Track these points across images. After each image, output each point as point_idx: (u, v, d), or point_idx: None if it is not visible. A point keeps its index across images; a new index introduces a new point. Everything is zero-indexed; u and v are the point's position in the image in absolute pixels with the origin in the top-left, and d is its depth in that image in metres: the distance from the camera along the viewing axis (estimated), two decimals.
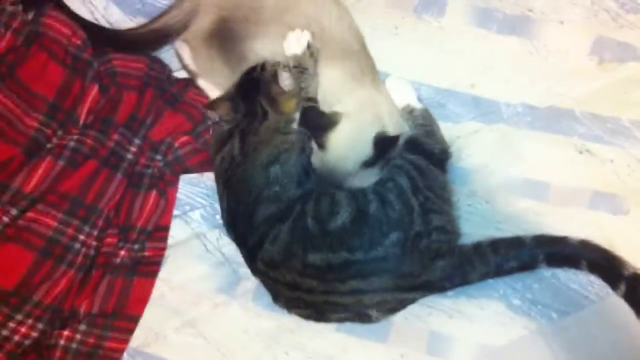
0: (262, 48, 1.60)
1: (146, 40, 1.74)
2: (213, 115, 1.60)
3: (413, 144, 1.55)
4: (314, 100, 1.54)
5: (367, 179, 1.48)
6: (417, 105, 1.63)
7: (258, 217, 1.45)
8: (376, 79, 1.64)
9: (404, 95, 1.65)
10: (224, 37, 1.64)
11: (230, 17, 1.63)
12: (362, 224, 1.40)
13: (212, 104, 1.57)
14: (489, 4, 1.75)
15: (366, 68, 1.61)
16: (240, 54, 1.61)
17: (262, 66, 1.55)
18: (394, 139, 1.47)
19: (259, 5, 1.62)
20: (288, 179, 1.47)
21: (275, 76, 1.53)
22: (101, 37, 1.75)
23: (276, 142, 1.51)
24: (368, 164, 1.47)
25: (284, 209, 1.45)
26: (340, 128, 1.48)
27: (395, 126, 1.53)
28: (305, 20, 1.59)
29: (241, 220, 1.49)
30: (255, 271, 1.50)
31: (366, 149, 1.47)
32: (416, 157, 1.51)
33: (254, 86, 1.53)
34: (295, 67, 1.54)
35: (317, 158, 1.49)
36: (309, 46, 1.55)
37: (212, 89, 1.70)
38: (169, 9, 1.72)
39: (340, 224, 1.40)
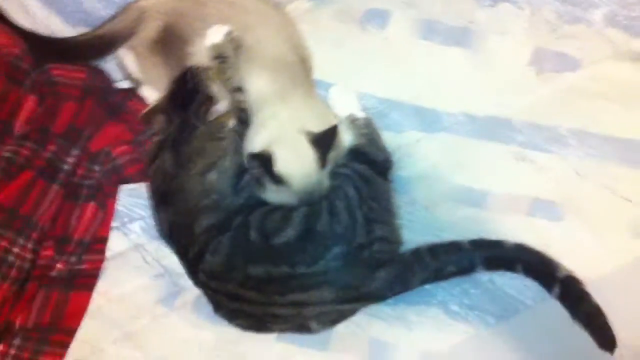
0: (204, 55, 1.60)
1: (90, 48, 1.72)
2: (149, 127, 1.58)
3: (357, 153, 1.55)
4: (240, 89, 1.54)
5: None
6: (360, 115, 1.64)
7: (198, 228, 1.44)
8: (309, 92, 1.64)
9: (347, 105, 1.66)
10: (169, 44, 1.63)
11: (175, 24, 1.63)
12: (306, 241, 1.39)
13: (148, 117, 1.55)
14: (431, 16, 1.79)
15: (299, 80, 1.61)
16: (182, 60, 1.61)
17: (193, 76, 1.53)
18: (332, 130, 1.47)
19: (203, 14, 1.62)
20: (225, 184, 1.46)
21: (209, 100, 1.52)
22: (44, 46, 1.73)
23: (210, 150, 1.49)
24: (322, 163, 1.46)
25: (224, 219, 1.44)
26: (279, 155, 1.45)
27: None
28: (244, 29, 1.59)
29: (182, 232, 1.47)
30: (196, 282, 1.48)
31: (309, 155, 1.46)
32: (361, 166, 1.51)
33: (188, 97, 1.52)
34: (216, 57, 1.54)
35: (286, 195, 1.47)
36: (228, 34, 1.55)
37: (156, 97, 1.69)
38: (114, 16, 1.72)
39: (284, 241, 1.39)
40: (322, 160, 1.46)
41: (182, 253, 1.49)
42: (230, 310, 1.45)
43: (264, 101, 1.55)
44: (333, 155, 1.51)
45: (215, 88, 1.53)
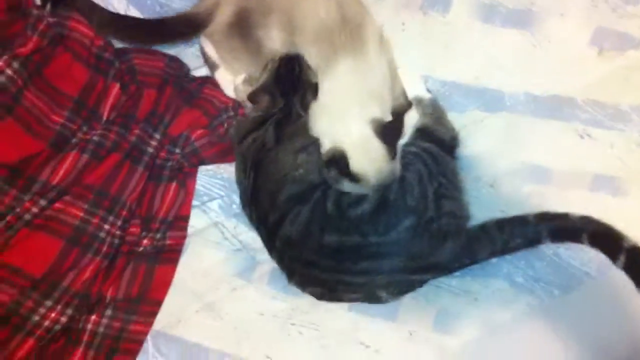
0: (273, 37, 1.66)
1: (174, 29, 1.78)
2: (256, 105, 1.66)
3: (424, 132, 1.61)
4: None
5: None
6: (426, 95, 1.70)
7: (282, 196, 1.52)
8: (357, 53, 1.60)
9: (413, 86, 1.72)
10: (244, 27, 1.69)
11: (245, 8, 1.69)
12: (379, 213, 1.46)
13: (255, 98, 1.63)
14: None
15: (341, 45, 1.59)
16: (258, 42, 1.68)
17: (300, 65, 1.61)
18: (398, 120, 1.53)
19: None
20: (312, 165, 1.54)
21: (313, 89, 1.60)
22: (133, 28, 1.81)
23: (309, 136, 1.59)
24: (392, 155, 1.51)
25: (306, 190, 1.52)
26: (352, 156, 1.51)
27: (394, 94, 1.63)
28: (293, 6, 1.63)
29: (265, 198, 1.56)
30: (272, 249, 1.57)
31: (380, 151, 1.51)
32: (429, 145, 1.58)
33: (291, 82, 1.60)
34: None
35: (361, 188, 1.52)
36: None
37: (230, 82, 1.78)
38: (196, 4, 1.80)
39: (359, 213, 1.47)
40: (392, 152, 1.51)
41: (262, 219, 1.57)
42: (304, 277, 1.53)
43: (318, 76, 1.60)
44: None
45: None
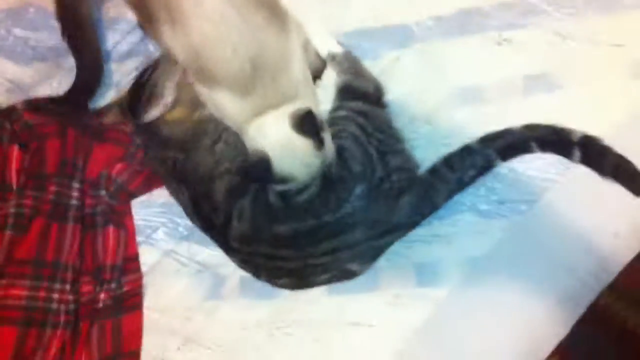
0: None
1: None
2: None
3: (347, 91, 1.53)
4: None
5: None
6: (338, 50, 1.61)
7: (218, 195, 1.45)
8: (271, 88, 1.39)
9: (323, 44, 1.63)
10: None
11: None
12: (328, 191, 1.39)
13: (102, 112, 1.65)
14: None
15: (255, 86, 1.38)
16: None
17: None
18: (308, 114, 1.34)
19: None
20: (235, 152, 1.46)
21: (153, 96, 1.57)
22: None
23: (211, 126, 1.51)
24: (319, 146, 1.35)
25: (239, 181, 1.44)
26: (273, 158, 1.35)
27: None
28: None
29: (204, 203, 1.49)
30: (230, 251, 1.49)
31: (303, 145, 1.35)
32: (355, 103, 1.50)
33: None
34: None
35: (293, 184, 1.39)
36: None
37: None
38: None
39: (306, 198, 1.39)
40: (317, 142, 1.34)
41: (209, 225, 1.50)
42: (270, 271, 1.47)
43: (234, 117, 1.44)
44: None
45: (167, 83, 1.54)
